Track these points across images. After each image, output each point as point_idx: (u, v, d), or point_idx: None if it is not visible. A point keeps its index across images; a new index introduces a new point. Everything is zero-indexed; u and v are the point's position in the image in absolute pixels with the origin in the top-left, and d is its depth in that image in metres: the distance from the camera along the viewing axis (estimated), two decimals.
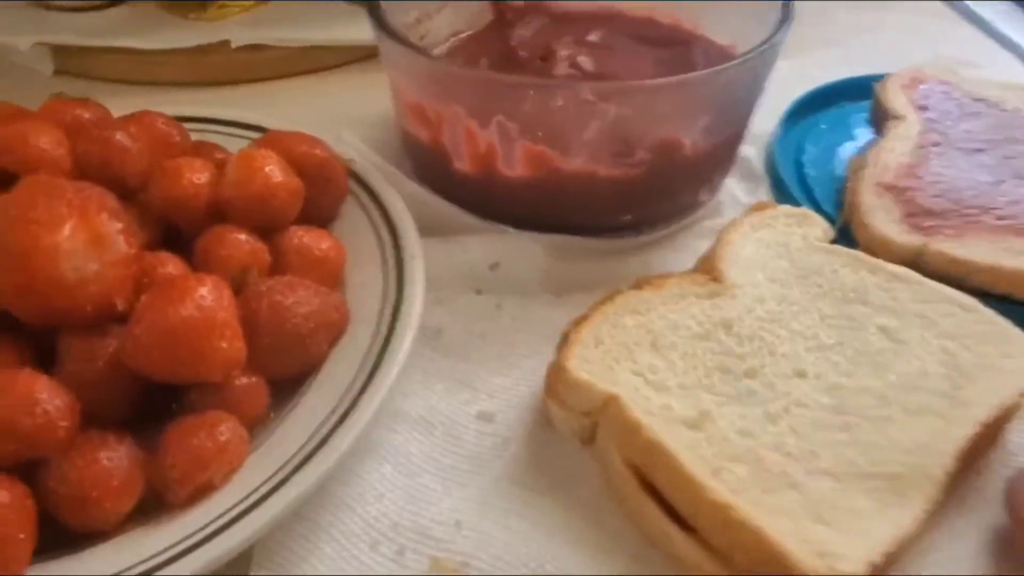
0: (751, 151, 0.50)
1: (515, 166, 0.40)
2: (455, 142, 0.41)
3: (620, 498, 0.32)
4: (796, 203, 0.45)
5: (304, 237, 0.37)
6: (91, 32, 0.58)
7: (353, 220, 0.41)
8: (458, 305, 0.40)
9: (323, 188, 0.39)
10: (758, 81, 0.41)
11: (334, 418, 0.31)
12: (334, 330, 0.35)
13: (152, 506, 0.30)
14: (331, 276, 0.37)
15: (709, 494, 0.28)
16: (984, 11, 0.69)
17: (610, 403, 0.32)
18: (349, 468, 0.33)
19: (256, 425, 0.33)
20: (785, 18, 0.41)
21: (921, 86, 0.48)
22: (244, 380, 0.32)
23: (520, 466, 0.34)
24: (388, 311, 0.35)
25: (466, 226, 0.43)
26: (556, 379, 0.33)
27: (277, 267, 0.36)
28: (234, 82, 0.57)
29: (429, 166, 0.44)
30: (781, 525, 0.27)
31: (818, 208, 0.45)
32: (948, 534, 0.31)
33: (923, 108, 0.46)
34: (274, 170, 0.35)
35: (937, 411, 0.31)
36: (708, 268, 0.38)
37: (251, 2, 0.61)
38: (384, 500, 0.32)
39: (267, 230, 0.36)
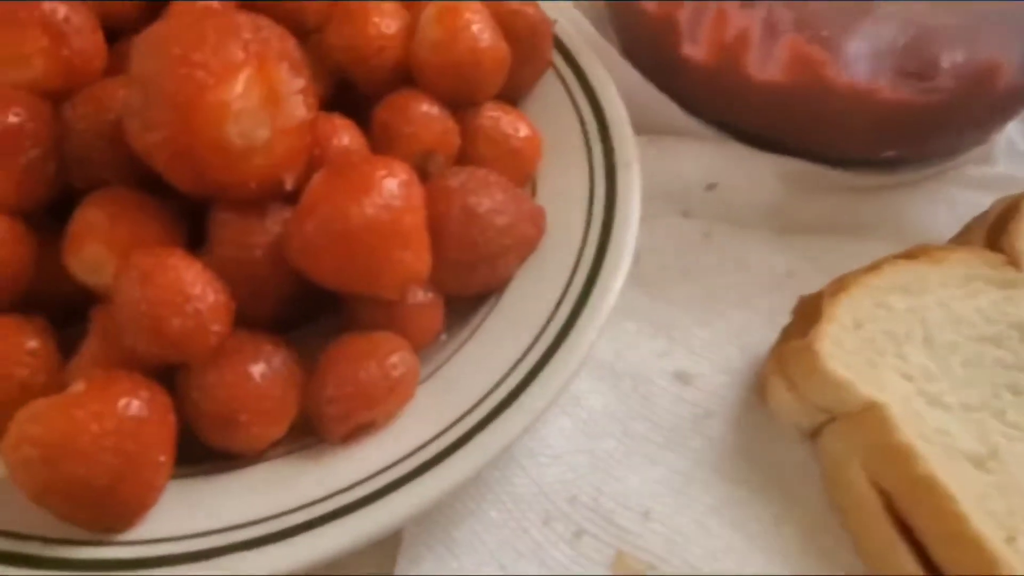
0: None
1: (770, 66, 0.31)
2: (696, 20, 0.32)
3: (852, 523, 0.26)
4: None
5: (501, 120, 0.29)
6: None
7: (552, 101, 0.33)
8: (658, 227, 0.33)
9: (528, 57, 0.31)
10: None
11: (527, 364, 0.25)
12: (527, 247, 0.28)
13: (303, 428, 0.25)
14: (524, 171, 0.30)
15: (1001, 569, 0.22)
16: None
17: (870, 412, 0.25)
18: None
19: (424, 348, 0.27)
20: None
21: None
22: (421, 297, 0.26)
23: (724, 451, 0.28)
24: (595, 233, 0.28)
25: (682, 128, 0.35)
26: (796, 361, 0.27)
27: (463, 153, 0.29)
28: None
29: (648, 43, 0.35)
30: None
31: None
32: None
33: None
34: (482, 31, 0.28)
35: None
36: (1001, 245, 0.29)
37: None
38: (561, 463, 0.27)
39: (461, 103, 0.29)
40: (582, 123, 0.32)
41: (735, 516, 0.26)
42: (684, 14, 0.32)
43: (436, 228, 0.26)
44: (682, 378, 0.30)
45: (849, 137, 0.33)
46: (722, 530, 0.26)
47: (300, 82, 0.24)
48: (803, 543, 0.26)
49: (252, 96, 0.22)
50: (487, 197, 0.27)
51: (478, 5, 0.28)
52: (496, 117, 0.29)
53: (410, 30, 0.28)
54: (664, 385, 0.29)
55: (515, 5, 0.30)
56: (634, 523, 0.26)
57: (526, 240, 0.28)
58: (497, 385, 0.25)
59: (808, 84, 0.31)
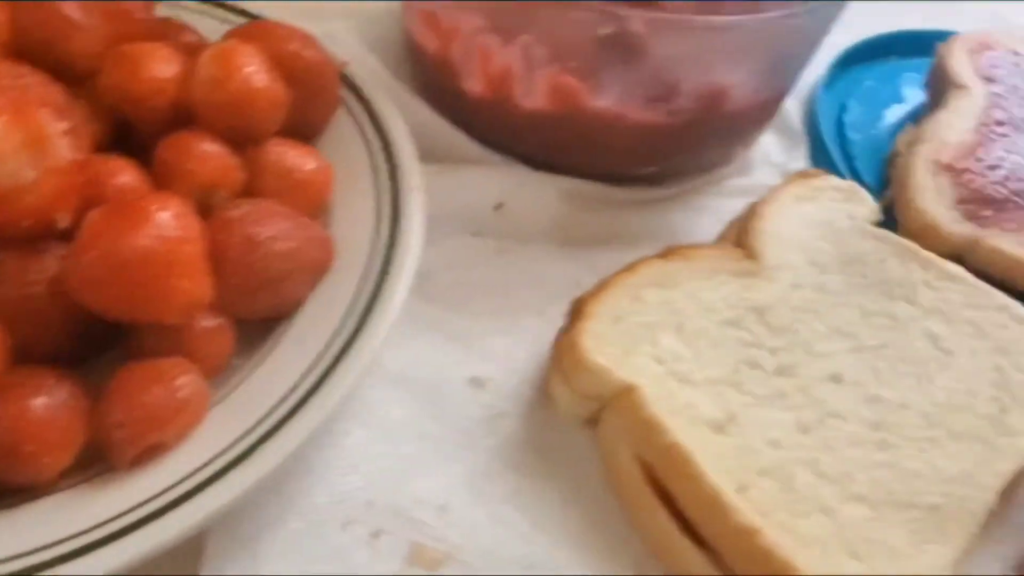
0: (792, 104, 0.45)
1: (534, 96, 0.34)
2: (467, 58, 0.35)
3: (624, 498, 0.29)
4: (835, 169, 0.41)
5: (287, 154, 0.31)
6: None
7: (343, 137, 0.35)
8: (451, 247, 0.36)
9: (312, 97, 0.33)
10: (821, 32, 0.36)
11: (314, 375, 0.27)
12: (316, 270, 0.30)
13: (92, 455, 0.26)
14: (315, 202, 0.32)
15: (735, 515, 0.25)
16: None
17: (626, 394, 0.28)
18: (328, 429, 0.29)
19: (217, 373, 0.28)
20: None
21: (989, 53, 0.43)
22: (207, 323, 0.27)
23: (516, 446, 0.30)
24: (380, 251, 0.31)
25: (469, 156, 0.38)
26: (565, 356, 0.29)
27: (252, 188, 0.31)
28: None
29: (435, 80, 0.38)
30: (812, 558, 0.24)
31: (858, 178, 0.41)
32: (974, 562, 0.29)
33: (990, 80, 0.42)
34: (257, 71, 0.29)
35: (983, 437, 0.28)
36: (742, 242, 0.33)
37: None
38: (359, 472, 0.29)
39: (242, 141, 0.30)
40: (371, 155, 0.34)
41: (524, 503, 0.29)
42: (456, 53, 0.35)
43: (219, 257, 0.27)
44: (476, 383, 0.32)
45: (612, 157, 0.36)
46: (513, 517, 0.28)
47: (64, 125, 0.25)
48: (585, 522, 0.28)
49: (12, 139, 0.23)
50: (269, 226, 0.28)
51: (253, 49, 0.30)
52: (282, 152, 0.31)
53: (186, 73, 0.29)
54: (459, 390, 0.31)
55: (295, 47, 0.32)
56: (431, 517, 0.28)
57: (313, 264, 0.30)
58: (283, 400, 0.26)
59: (568, 111, 0.34)
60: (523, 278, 0.35)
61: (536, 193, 0.37)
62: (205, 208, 0.28)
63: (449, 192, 0.36)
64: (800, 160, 0.43)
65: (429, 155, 0.37)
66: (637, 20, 0.30)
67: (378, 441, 0.30)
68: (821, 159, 0.42)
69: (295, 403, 0.26)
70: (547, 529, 0.28)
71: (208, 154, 0.29)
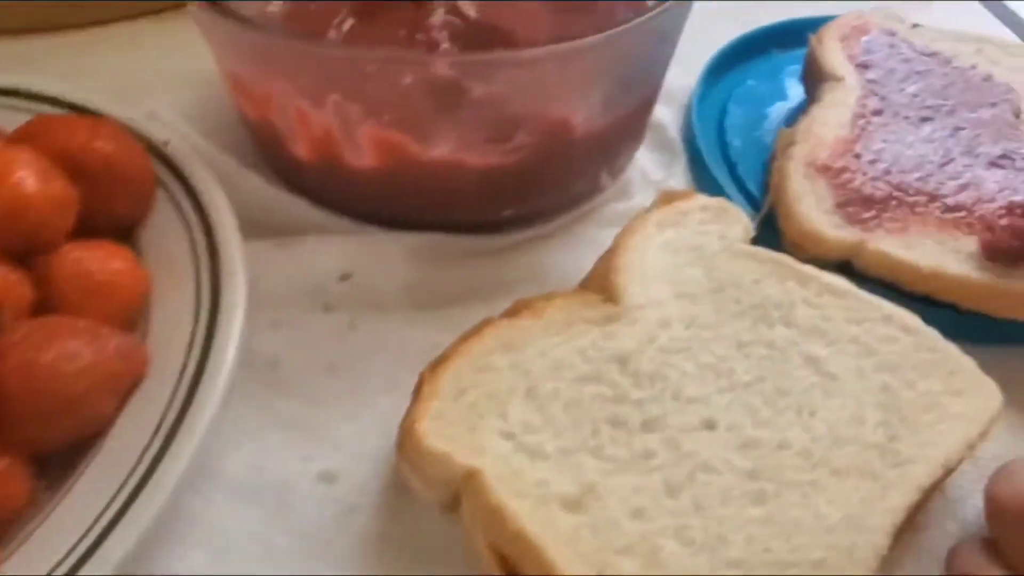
0: (666, 114, 0.43)
1: (362, 155, 0.32)
2: (286, 124, 0.32)
3: None
4: (715, 181, 0.38)
5: (83, 259, 0.28)
6: None
7: (163, 225, 0.32)
8: (301, 327, 0.33)
9: (113, 190, 0.30)
10: (667, 40, 0.34)
11: (118, 503, 0.24)
12: (123, 382, 0.27)
13: None
14: (126, 307, 0.29)
15: None
16: None
17: (471, 479, 0.25)
18: (146, 555, 0.26)
19: (16, 516, 0.25)
20: None
21: (863, 38, 0.41)
22: None
23: (370, 542, 0.27)
24: (197, 350, 0.28)
25: (313, 223, 0.35)
26: (406, 444, 0.26)
27: (49, 301, 0.28)
28: (51, 29, 0.46)
29: (265, 149, 0.36)
30: None
31: (742, 188, 0.39)
32: None
33: (864, 66, 0.39)
34: (26, 176, 0.27)
35: (871, 471, 0.26)
36: (601, 283, 0.31)
37: None
38: None
39: (27, 252, 0.28)
40: (192, 243, 0.31)
41: None
42: (276, 119, 0.32)
43: None
44: (326, 478, 0.29)
45: (461, 205, 0.34)
46: None
47: None
48: None
49: None
50: (53, 346, 0.25)
51: (24, 151, 0.27)
52: (77, 257, 0.28)
53: None
54: (308, 489, 0.28)
55: (82, 140, 0.29)
56: None
57: (115, 378, 0.27)
58: (87, 531, 0.23)
59: (402, 164, 0.32)
60: (377, 351, 0.32)
61: (383, 256, 0.34)
62: None
63: (293, 267, 0.34)
64: (680, 175, 0.40)
65: (270, 228, 0.35)
66: (440, 64, 0.27)
67: (216, 563, 0.27)
68: (700, 171, 0.39)
69: (96, 537, 0.23)
70: None
71: None
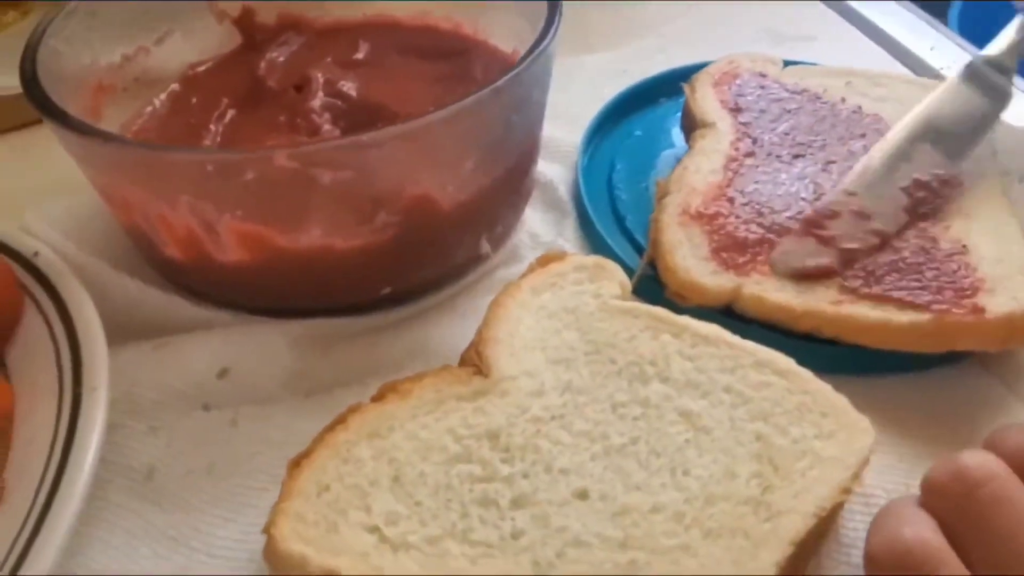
0: (556, 172, 0.43)
1: (228, 250, 0.31)
2: (151, 227, 0.32)
3: None
4: (602, 238, 0.38)
5: None
6: None
7: (31, 340, 0.32)
8: (179, 431, 0.32)
9: None
10: (529, 102, 0.34)
11: None
12: None
13: None
14: None
15: None
16: None
17: None
18: None
19: None
20: (549, 25, 0.33)
21: (734, 83, 0.41)
22: None
23: None
24: (53, 469, 0.27)
25: (192, 320, 0.34)
26: (267, 547, 0.25)
27: None
28: None
29: (142, 250, 0.35)
30: None
31: (632, 241, 0.39)
32: None
33: (736, 110, 0.40)
34: None
35: (743, 528, 0.25)
36: (473, 357, 0.30)
37: None
38: None
39: None
40: (58, 356, 0.31)
41: None
42: (142, 223, 0.32)
43: None
44: None
45: (339, 289, 0.33)
46: None
47: None
48: None
49: None
50: None
51: None
52: None
53: None
54: None
55: None
56: None
57: None
58: None
59: (269, 255, 0.31)
60: (262, 447, 0.31)
61: (263, 347, 0.33)
62: None
63: (170, 369, 0.33)
64: (570, 233, 0.40)
65: (148, 329, 0.34)
66: (279, 157, 0.27)
67: None
68: (589, 228, 0.39)
69: None
70: None
71: None
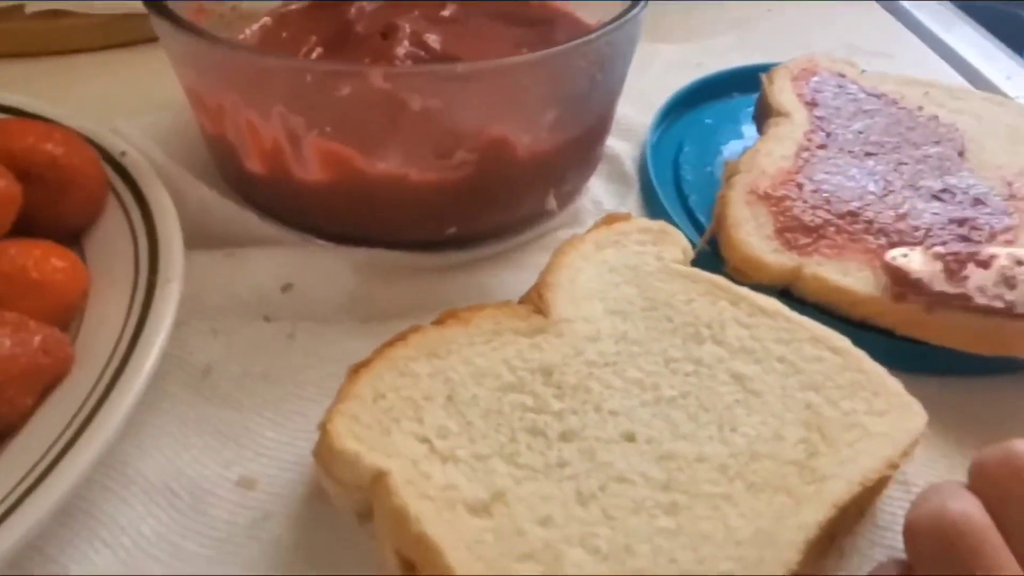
0: (624, 148, 0.43)
1: (309, 167, 0.32)
2: (239, 137, 0.33)
3: None
4: (665, 211, 0.39)
5: (18, 256, 0.29)
6: None
7: (111, 232, 0.33)
8: (239, 336, 0.33)
9: (60, 194, 0.31)
10: (612, 68, 0.35)
11: (16, 494, 0.24)
12: (44, 377, 0.27)
13: None
14: (61, 305, 0.29)
15: None
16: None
17: (379, 481, 0.25)
18: (50, 554, 0.26)
19: None
20: None
21: (813, 79, 0.42)
22: None
23: (280, 550, 0.27)
24: (121, 351, 0.28)
25: (262, 236, 0.35)
26: (320, 444, 0.26)
27: None
28: (29, 54, 0.48)
29: (222, 164, 0.36)
30: None
31: (693, 219, 0.39)
32: None
33: (812, 104, 0.40)
34: None
35: (787, 487, 0.25)
36: (534, 298, 0.31)
37: None
38: None
39: None
40: (136, 249, 0.32)
41: None
42: (230, 133, 0.33)
43: None
44: (245, 484, 0.28)
45: (406, 221, 0.34)
46: None
47: None
48: None
49: None
50: None
51: None
52: (14, 255, 0.29)
53: None
54: (224, 494, 0.28)
55: (31, 142, 0.30)
56: None
57: (37, 371, 0.27)
58: None
59: (348, 178, 0.32)
60: (316, 362, 0.32)
61: (328, 270, 0.34)
62: None
63: (237, 277, 0.34)
64: (633, 205, 0.41)
65: (219, 240, 0.35)
66: (375, 76, 0.28)
67: (119, 564, 0.26)
68: (652, 202, 0.40)
69: None
70: None
71: None
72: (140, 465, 0.29)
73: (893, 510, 0.28)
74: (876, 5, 0.64)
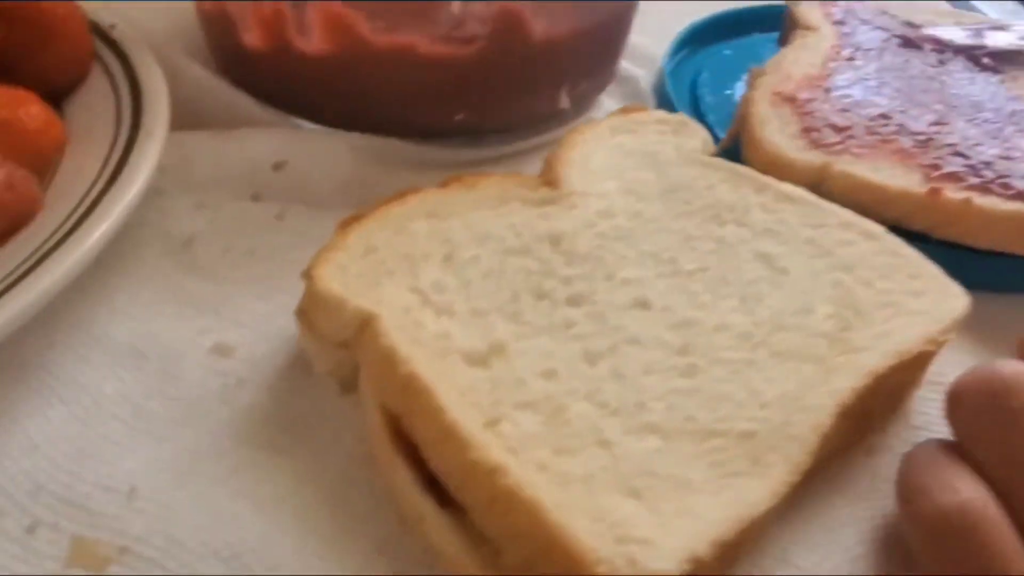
0: (639, 72, 0.41)
1: (311, 36, 0.30)
2: (242, 7, 0.31)
3: (374, 465, 0.22)
4: None
5: None
6: None
7: (95, 93, 0.31)
8: (225, 212, 0.31)
9: (41, 40, 0.29)
10: None
11: None
12: (5, 214, 0.25)
13: None
14: (30, 152, 0.27)
15: (474, 452, 0.19)
16: None
17: (367, 327, 0.22)
18: (3, 407, 0.23)
19: None
20: None
21: (841, 2, 0.40)
22: None
23: (253, 416, 0.24)
24: (92, 196, 0.26)
25: (254, 118, 0.33)
26: (304, 296, 0.24)
27: None
28: None
29: (220, 45, 0.34)
30: (569, 497, 0.18)
31: (713, 135, 0.37)
32: (822, 522, 0.22)
33: (840, 23, 0.38)
34: None
35: (816, 356, 0.23)
36: (544, 170, 0.29)
37: None
38: (38, 453, 0.23)
39: None
40: (118, 107, 0.30)
41: (245, 483, 0.22)
42: (233, 5, 0.31)
43: None
44: (220, 351, 0.26)
45: (411, 100, 0.32)
46: (223, 500, 0.22)
47: None
48: (322, 501, 0.22)
49: None
50: None
51: None
52: None
53: None
54: (198, 360, 0.26)
55: None
56: (111, 506, 0.21)
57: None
58: None
59: (351, 49, 0.30)
60: (301, 242, 0.29)
61: (324, 151, 0.32)
62: None
63: (226, 153, 0.32)
64: None
65: (210, 120, 0.33)
66: None
67: (75, 421, 0.24)
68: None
69: None
70: (268, 512, 0.22)
71: None
72: (108, 327, 0.26)
73: (927, 410, 0.26)
74: None
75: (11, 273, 0.23)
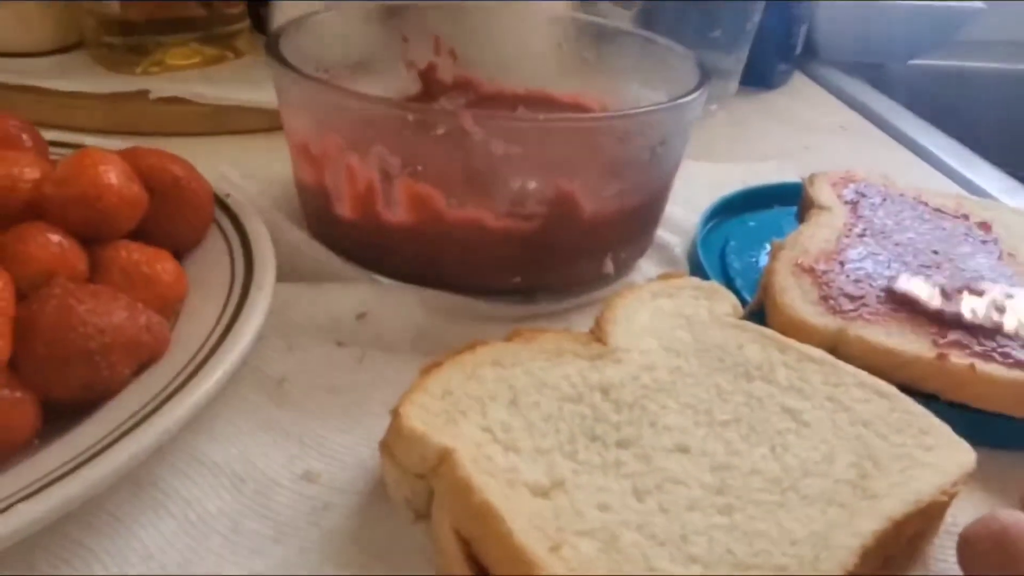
0: (673, 239, 0.47)
1: (396, 209, 0.36)
2: (336, 182, 0.37)
3: None
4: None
5: (135, 252, 0.32)
6: (13, 71, 0.56)
7: (213, 251, 0.36)
8: (313, 355, 0.35)
9: (177, 208, 0.35)
10: (671, 144, 0.39)
11: (88, 453, 0.25)
12: (139, 352, 0.29)
13: None
14: (162, 301, 0.32)
15: (540, 572, 0.22)
16: (937, 150, 0.69)
17: (445, 460, 0.26)
18: (121, 518, 0.27)
19: (13, 451, 0.26)
20: (701, 81, 0.39)
21: (852, 184, 0.45)
22: (6, 395, 0.26)
23: (337, 539, 0.27)
24: (212, 342, 0.30)
25: (340, 274, 0.38)
26: (389, 429, 0.28)
27: (97, 282, 0.31)
28: (151, 134, 0.54)
29: (315, 213, 0.40)
30: None
31: (740, 298, 0.41)
32: None
33: (852, 203, 0.43)
34: (108, 171, 0.31)
35: (840, 501, 0.26)
36: (593, 328, 0.33)
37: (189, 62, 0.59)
38: (152, 562, 0.26)
39: (91, 237, 0.31)
40: (232, 264, 0.35)
41: None
42: (329, 178, 0.37)
43: (28, 323, 0.27)
44: (308, 476, 0.30)
45: (476, 265, 0.37)
46: None
47: None
48: None
49: None
50: (89, 300, 0.28)
51: (111, 155, 0.32)
52: (131, 250, 0.32)
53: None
54: (288, 484, 0.29)
55: (157, 161, 0.34)
56: None
57: (135, 344, 0.29)
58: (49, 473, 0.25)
59: (429, 220, 0.36)
60: (379, 382, 0.34)
61: (399, 304, 0.37)
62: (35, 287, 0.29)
63: (316, 304, 0.37)
64: None
65: (303, 273, 0.39)
66: (467, 119, 0.32)
67: (183, 534, 0.27)
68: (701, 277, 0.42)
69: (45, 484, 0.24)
70: None
71: (47, 241, 0.30)
72: (210, 452, 0.30)
73: (945, 557, 0.28)
74: (910, 156, 0.69)
75: (144, 407, 0.27)
